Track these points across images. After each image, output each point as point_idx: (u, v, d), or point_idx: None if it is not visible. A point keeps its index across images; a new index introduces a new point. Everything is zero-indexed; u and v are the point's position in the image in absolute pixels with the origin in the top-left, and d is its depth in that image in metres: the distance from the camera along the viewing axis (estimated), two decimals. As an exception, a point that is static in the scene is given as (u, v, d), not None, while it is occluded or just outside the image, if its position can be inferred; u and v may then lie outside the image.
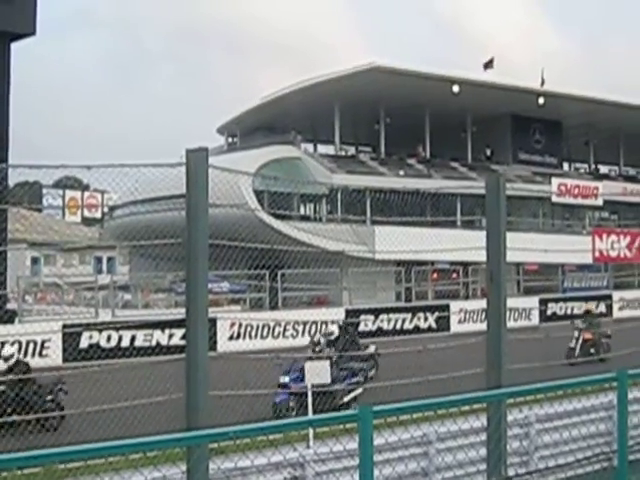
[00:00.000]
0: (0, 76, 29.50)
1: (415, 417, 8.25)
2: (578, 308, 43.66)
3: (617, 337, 27.56)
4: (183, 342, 8.75)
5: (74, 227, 79.92)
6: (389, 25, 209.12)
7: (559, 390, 8.23)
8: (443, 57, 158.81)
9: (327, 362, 16.02)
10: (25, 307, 36.70)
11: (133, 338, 29.85)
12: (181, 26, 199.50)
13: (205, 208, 8.20)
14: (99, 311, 33.28)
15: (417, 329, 36.79)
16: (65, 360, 27.45)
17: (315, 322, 33.81)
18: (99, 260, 73.92)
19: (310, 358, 19.09)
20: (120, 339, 29.63)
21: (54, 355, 27.66)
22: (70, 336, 28.26)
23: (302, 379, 18.15)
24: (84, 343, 28.75)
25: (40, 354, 27.55)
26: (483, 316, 13.63)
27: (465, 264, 41.95)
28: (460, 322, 37.45)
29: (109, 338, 29.46)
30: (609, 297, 45.57)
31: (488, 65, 61.07)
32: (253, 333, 32.64)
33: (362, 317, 35.94)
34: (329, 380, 15.82)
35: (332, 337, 23.90)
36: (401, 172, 54.60)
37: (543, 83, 61.61)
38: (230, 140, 67.03)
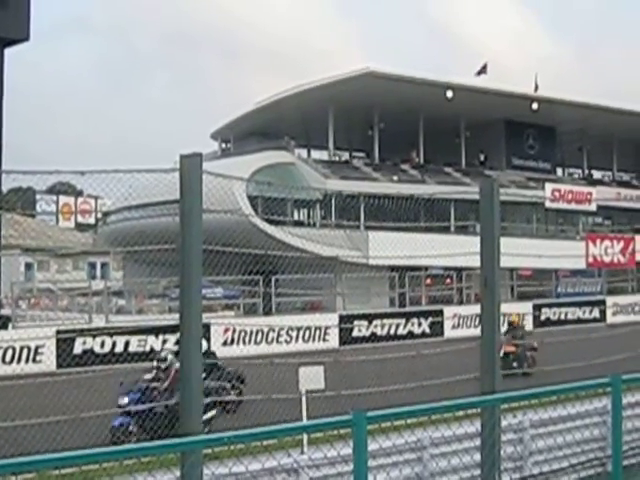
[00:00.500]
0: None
1: (409, 422, 8.26)
2: (572, 313, 43.84)
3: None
4: (177, 348, 8.74)
5: (68, 233, 79.83)
6: (383, 31, 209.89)
7: (553, 395, 8.24)
8: (437, 63, 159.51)
9: (321, 367, 15.83)
10: (19, 313, 36.65)
11: (127, 344, 29.81)
12: (175, 32, 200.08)
13: (199, 214, 8.20)
14: (93, 317, 33.24)
15: (411, 334, 36.78)
16: (59, 366, 27.41)
17: (309, 327, 33.86)
18: (93, 266, 73.85)
19: (153, 379, 17.67)
20: (114, 345, 29.58)
21: (48, 361, 27.62)
22: (64, 342, 28.20)
23: (144, 401, 17.17)
24: (78, 349, 28.69)
25: (34, 360, 27.52)
26: (477, 321, 13.64)
27: (459, 269, 41.96)
28: (454, 327, 37.48)
29: (103, 344, 29.41)
30: (603, 302, 45.65)
31: (482, 71, 61.14)
32: (247, 339, 32.62)
33: (356, 322, 35.96)
34: (323, 385, 15.63)
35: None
36: (395, 177, 54.61)
37: (537, 89, 61.66)
38: (224, 146, 66.98)
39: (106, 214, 57.90)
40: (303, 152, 60.60)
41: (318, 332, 34.36)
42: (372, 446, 5.61)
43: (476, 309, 10.19)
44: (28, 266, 68.82)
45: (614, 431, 7.26)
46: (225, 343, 31.34)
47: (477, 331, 9.77)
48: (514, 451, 12.84)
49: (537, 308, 42.23)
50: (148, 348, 29.80)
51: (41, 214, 79.52)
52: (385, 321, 37.01)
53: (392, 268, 40.18)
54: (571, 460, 11.29)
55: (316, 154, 61.85)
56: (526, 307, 41.00)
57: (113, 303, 39.35)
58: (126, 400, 17.39)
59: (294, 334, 33.53)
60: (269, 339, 33.16)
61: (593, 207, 61.80)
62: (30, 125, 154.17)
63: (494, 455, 8.61)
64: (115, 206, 51.13)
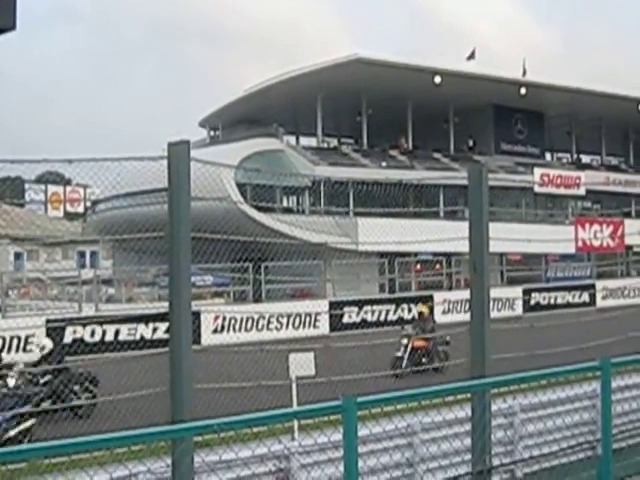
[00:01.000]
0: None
1: (399, 408, 8.27)
2: (562, 298, 43.95)
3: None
4: (167, 335, 8.73)
5: (56, 222, 79.54)
6: (371, 17, 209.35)
7: (543, 379, 8.26)
8: (425, 49, 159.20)
9: (312, 353, 15.88)
10: (8, 302, 36.55)
11: (117, 332, 29.84)
12: (164, 20, 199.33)
13: (187, 201, 8.18)
14: (83, 306, 33.20)
15: (401, 320, 36.77)
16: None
17: (299, 314, 33.86)
18: (82, 255, 73.71)
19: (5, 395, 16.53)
20: (104, 333, 29.60)
21: (38, 351, 27.56)
22: (54, 331, 28.14)
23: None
24: (68, 338, 28.66)
25: (24, 349, 27.49)
26: (467, 306, 13.64)
27: (448, 255, 42.03)
28: (444, 313, 37.48)
29: (93, 333, 29.41)
30: (592, 286, 45.78)
31: (470, 57, 61.14)
32: (237, 326, 32.62)
33: (346, 309, 36.00)
34: (313, 372, 15.66)
35: (45, 352, 19.77)
36: (384, 163, 54.61)
37: (525, 73, 61.73)
38: (212, 133, 66.86)
39: (95, 203, 57.73)
40: (292, 139, 60.55)
41: (308, 319, 34.38)
42: (362, 432, 5.62)
43: (466, 294, 10.19)
44: (17, 256, 68.61)
45: (604, 414, 7.29)
46: (215, 330, 31.36)
47: (467, 316, 9.78)
48: (504, 435, 12.87)
49: (527, 293, 42.36)
50: (138, 336, 29.83)
51: (30, 203, 79.20)
52: (375, 307, 37.09)
53: (381, 254, 40.17)
54: (561, 444, 11.31)
55: (305, 141, 61.89)
56: (516, 292, 41.16)
57: (103, 292, 39.32)
58: None
59: (284, 321, 33.54)
60: (259, 326, 33.17)
61: (582, 191, 61.96)
62: (18, 114, 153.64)
63: (484, 439, 8.63)
64: (104, 195, 50.92)
